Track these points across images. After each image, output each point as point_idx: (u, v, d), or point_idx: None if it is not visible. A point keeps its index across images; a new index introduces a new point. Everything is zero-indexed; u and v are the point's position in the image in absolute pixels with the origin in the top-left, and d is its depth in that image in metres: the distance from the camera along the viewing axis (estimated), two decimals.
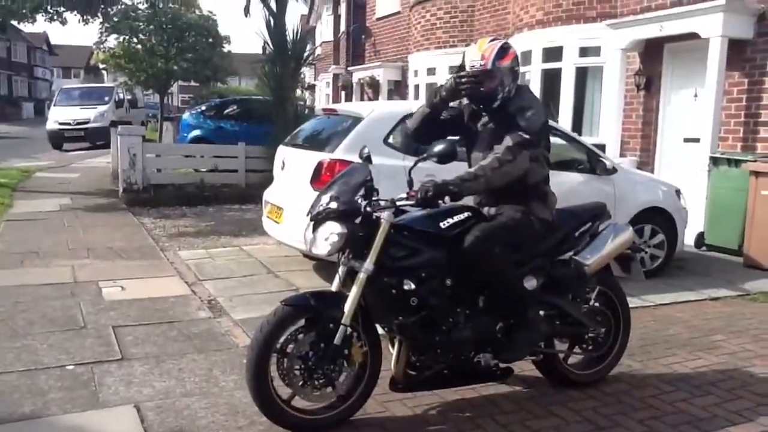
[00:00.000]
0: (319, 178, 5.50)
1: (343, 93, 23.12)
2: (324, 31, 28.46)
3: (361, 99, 20.53)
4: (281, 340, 2.99)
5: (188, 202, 10.27)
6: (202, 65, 20.02)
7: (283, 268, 6.38)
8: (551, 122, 7.10)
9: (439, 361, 3.25)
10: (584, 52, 10.40)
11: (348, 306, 3.01)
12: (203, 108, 15.37)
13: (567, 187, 6.30)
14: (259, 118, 12.89)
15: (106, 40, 18.74)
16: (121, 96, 24.49)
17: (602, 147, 8.11)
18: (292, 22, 31.63)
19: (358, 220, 3.06)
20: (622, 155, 9.46)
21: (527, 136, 3.15)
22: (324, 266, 6.06)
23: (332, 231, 3.01)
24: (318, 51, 27.56)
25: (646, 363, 4.14)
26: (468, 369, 3.33)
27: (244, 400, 3.28)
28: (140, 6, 18.70)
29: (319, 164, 5.53)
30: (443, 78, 14.68)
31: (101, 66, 22.18)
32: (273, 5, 11.38)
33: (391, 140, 5.71)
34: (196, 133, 14.25)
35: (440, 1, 14.62)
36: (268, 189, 6.61)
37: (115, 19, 16.66)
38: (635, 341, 4.61)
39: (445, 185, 3.02)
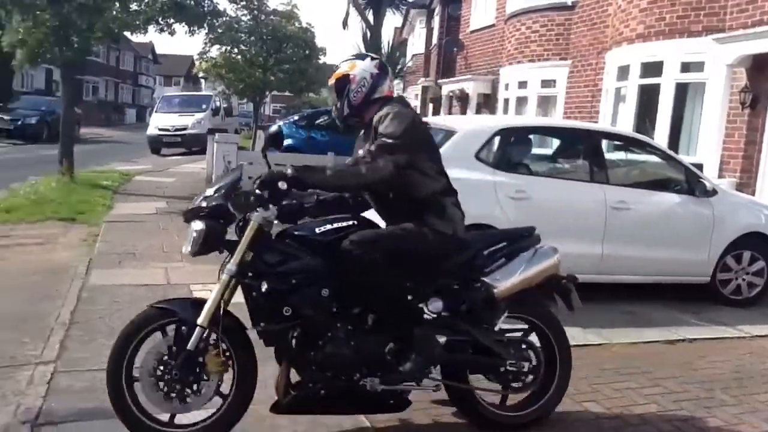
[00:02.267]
0: None
1: (431, 106, 23.13)
2: (416, 44, 28.60)
3: (449, 112, 20.48)
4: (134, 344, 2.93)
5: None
6: (298, 76, 20.50)
7: None
8: (645, 138, 6.87)
9: (316, 380, 2.98)
10: (686, 67, 9.94)
11: (206, 307, 2.88)
12: (296, 118, 15.71)
13: (661, 208, 6.05)
14: (348, 129, 13.05)
15: (209, 50, 19.53)
16: (218, 104, 25.39)
17: (699, 166, 7.70)
18: (387, 34, 31.93)
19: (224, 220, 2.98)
20: (720, 176, 8.96)
21: (389, 141, 2.97)
22: None
23: (194, 228, 2.95)
24: (408, 63, 27.74)
25: (741, 398, 3.87)
26: (352, 393, 3.03)
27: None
28: (243, 18, 19.37)
29: None
30: (534, 92, 14.44)
31: (200, 75, 23.04)
32: (370, 18, 11.50)
33: (482, 155, 5.62)
34: (288, 142, 14.56)
35: (536, 14, 14.37)
36: None
37: (219, 31, 17.32)
38: (729, 374, 4.33)
39: (284, 171, 2.84)
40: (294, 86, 21.40)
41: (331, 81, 3.28)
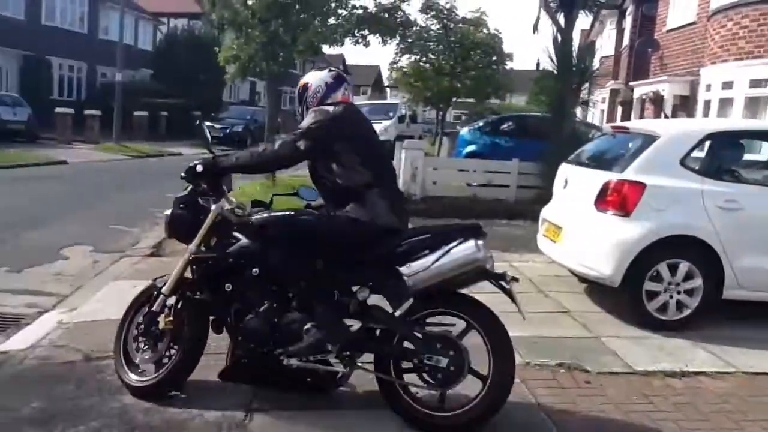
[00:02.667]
0: (604, 198, 5.26)
1: (620, 109, 21.99)
2: (604, 46, 27.36)
3: (641, 116, 19.36)
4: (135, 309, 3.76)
5: (460, 215, 10.45)
6: (485, 82, 20.55)
7: (554, 288, 6.21)
8: None
9: (241, 350, 3.38)
10: None
11: (170, 279, 3.57)
12: (480, 124, 15.72)
13: None
14: (534, 134, 12.80)
15: (399, 59, 20.20)
16: (404, 111, 26.18)
17: None
18: (575, 37, 30.84)
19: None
20: None
21: (297, 131, 3.43)
22: (597, 290, 5.78)
23: (164, 214, 3.69)
24: (596, 66, 26.51)
25: None
26: (272, 368, 3.32)
27: None
28: (432, 27, 19.80)
29: (606, 184, 5.27)
30: (741, 93, 13.17)
31: (386, 84, 23.96)
32: (561, 21, 11.21)
33: (688, 162, 5.23)
34: (472, 148, 14.63)
35: (746, 8, 13.10)
36: (547, 207, 6.49)
37: (410, 40, 17.86)
38: None
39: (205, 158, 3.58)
40: (480, 93, 21.46)
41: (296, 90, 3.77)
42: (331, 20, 13.39)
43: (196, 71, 33.54)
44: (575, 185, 5.91)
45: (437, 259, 3.24)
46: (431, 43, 19.98)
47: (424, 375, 3.29)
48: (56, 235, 8.25)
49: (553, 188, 6.52)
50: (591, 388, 3.95)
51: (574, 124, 11.58)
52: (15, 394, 3.62)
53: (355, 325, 3.34)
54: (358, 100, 47.74)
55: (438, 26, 19.88)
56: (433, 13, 19.82)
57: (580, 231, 5.51)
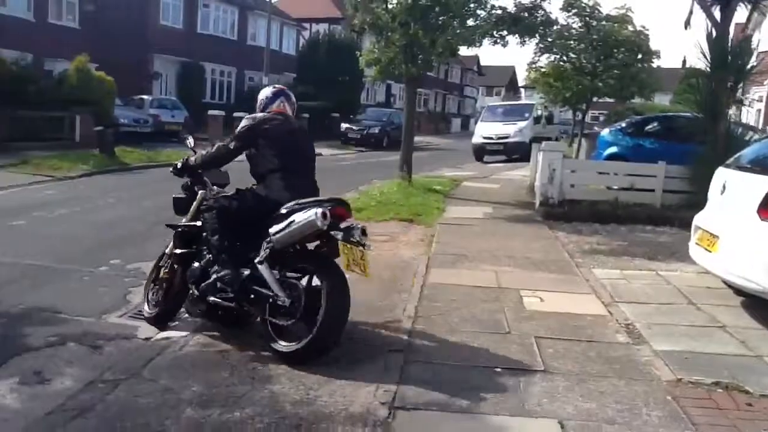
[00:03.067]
0: None
1: None
2: (763, 40, 25.21)
3: None
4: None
5: (600, 219, 10.13)
6: (629, 81, 19.64)
7: (706, 300, 5.81)
8: None
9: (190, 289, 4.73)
10: None
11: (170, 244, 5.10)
12: (623, 125, 15.03)
13: None
14: (683, 136, 12.05)
15: (538, 59, 19.76)
16: (539, 113, 25.60)
17: None
18: (730, 31, 28.66)
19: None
20: None
21: (231, 135, 4.78)
22: (757, 304, 5.34)
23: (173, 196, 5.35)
24: (753, 62, 24.42)
25: None
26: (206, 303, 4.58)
27: None
28: (574, 26, 19.19)
29: None
30: None
31: (521, 84, 23.57)
32: (717, 15, 10.48)
33: None
34: (613, 150, 14.00)
35: None
36: (701, 213, 6.09)
37: (549, 40, 17.39)
38: None
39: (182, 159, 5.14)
40: (624, 92, 20.52)
41: None
42: (470, 21, 13.31)
43: (336, 74, 34.70)
44: (735, 191, 5.50)
45: (288, 222, 4.18)
46: (572, 42, 19.32)
47: (278, 312, 4.22)
48: None
49: (708, 194, 6.11)
50: (753, 411, 3.63)
51: (729, 125, 10.75)
52: (177, 378, 3.93)
53: (245, 272, 4.38)
54: (492, 101, 47.25)
55: (580, 24, 19.20)
56: (575, 10, 19.17)
57: (741, 241, 5.12)
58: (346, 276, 4.20)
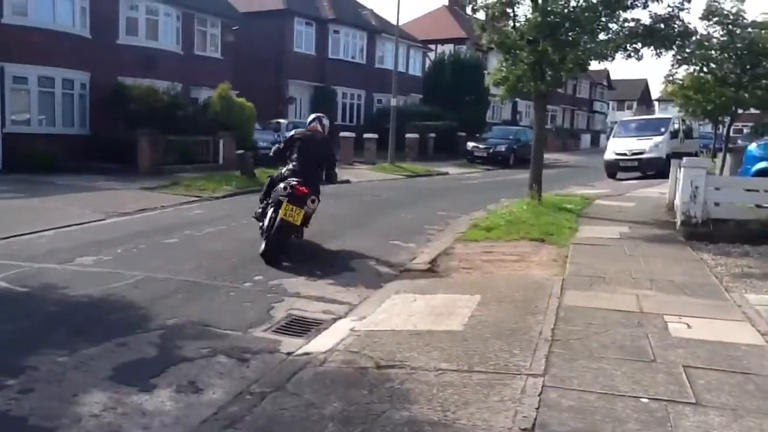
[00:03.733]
0: None
1: None
2: None
3: None
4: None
5: (750, 240, 9.40)
6: None
7: None
8: None
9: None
10: None
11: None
12: None
13: None
14: None
15: (676, 72, 18.80)
16: (677, 127, 24.28)
17: None
18: None
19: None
20: None
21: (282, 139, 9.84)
22: None
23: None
24: None
25: None
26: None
27: None
28: (715, 35, 18.12)
29: None
30: None
31: (654, 98, 22.51)
32: None
33: None
34: (763, 165, 12.99)
35: None
36: None
37: (688, 51, 16.52)
38: None
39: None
40: None
41: None
42: (601, 36, 12.90)
43: (461, 93, 34.87)
44: None
45: (276, 189, 8.34)
46: (713, 52, 18.20)
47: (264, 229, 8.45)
48: (345, 247, 9.17)
49: None
50: None
51: None
52: (319, 393, 4.08)
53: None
54: (623, 116, 45.25)
55: (722, 33, 18.05)
56: (716, 19, 18.07)
57: None
58: (288, 220, 7.90)
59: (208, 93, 23.71)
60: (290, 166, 8.43)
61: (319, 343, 5.14)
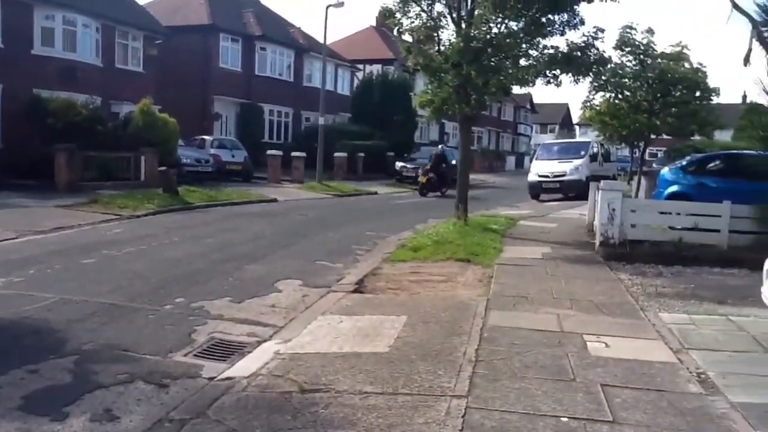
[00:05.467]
0: None
1: None
2: None
3: None
4: None
5: (664, 261, 9.86)
6: (688, 119, 19.33)
7: None
8: None
9: None
10: None
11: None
12: (683, 163, 14.68)
13: None
14: (750, 175, 11.70)
15: (593, 98, 19.61)
16: (596, 150, 25.27)
17: None
18: None
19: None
20: None
21: None
22: None
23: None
24: None
25: None
26: None
27: None
28: (628, 64, 19.05)
29: None
30: None
31: (575, 122, 23.56)
32: None
33: None
34: (674, 188, 13.66)
35: None
36: None
37: (604, 78, 17.28)
38: None
39: None
40: (683, 130, 20.18)
41: None
42: (523, 62, 13.35)
43: (390, 113, 35.19)
44: None
45: None
46: (627, 80, 19.13)
47: None
48: (270, 268, 9.01)
49: None
50: None
51: None
52: (241, 419, 3.97)
53: None
54: (546, 139, 46.91)
55: (634, 62, 19.02)
56: (628, 49, 19.02)
57: None
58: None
59: (130, 108, 23.03)
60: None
61: (242, 367, 5.01)
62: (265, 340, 5.78)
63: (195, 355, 5.39)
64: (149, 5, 30.09)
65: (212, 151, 25.05)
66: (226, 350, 5.53)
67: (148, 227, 12.67)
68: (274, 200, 19.04)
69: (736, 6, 10.98)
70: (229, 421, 3.96)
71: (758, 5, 10.58)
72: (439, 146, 29.21)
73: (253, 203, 18.11)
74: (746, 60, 11.73)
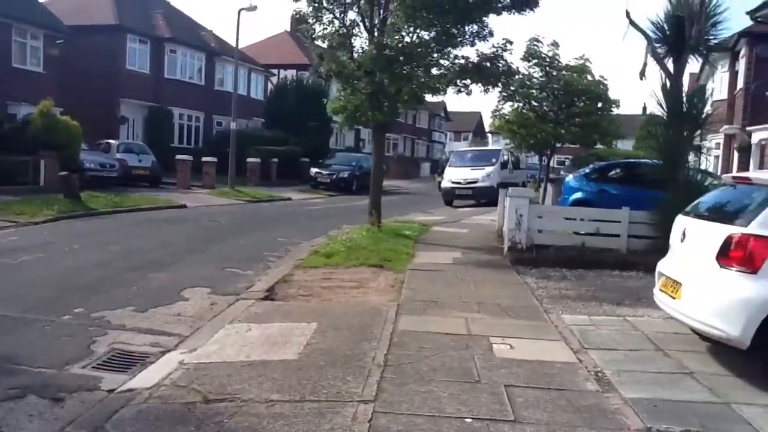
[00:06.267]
0: (727, 254, 4.99)
1: (736, 155, 20.95)
2: (716, 89, 26.23)
3: (761, 162, 18.31)
4: None
5: (568, 265, 10.23)
6: (591, 129, 20.29)
7: (674, 346, 5.89)
8: None
9: None
10: None
11: None
12: (587, 170, 15.36)
13: None
14: (646, 182, 12.35)
15: (502, 107, 20.27)
16: (506, 158, 26.06)
17: None
18: (684, 82, 29.81)
19: None
20: None
21: None
22: (724, 350, 5.42)
23: None
24: (708, 110, 25.28)
25: None
26: None
27: None
28: (535, 75, 19.80)
29: (729, 238, 5.01)
30: None
31: (488, 130, 24.30)
32: (670, 66, 10.87)
33: None
34: (578, 195, 14.26)
35: None
36: (664, 260, 6.22)
37: (512, 88, 17.89)
38: None
39: None
40: (587, 139, 21.17)
41: None
42: (434, 71, 13.62)
43: (305, 119, 34.99)
44: (694, 239, 5.64)
45: None
46: (534, 91, 19.92)
47: None
48: (177, 276, 8.75)
49: (670, 241, 6.25)
50: None
51: (688, 171, 11.07)
52: None
53: None
54: (459, 146, 48.05)
55: (541, 74, 19.83)
56: (535, 60, 19.81)
57: (702, 288, 5.23)
58: None
59: (29, 109, 21.88)
60: None
61: (144, 379, 4.83)
62: (169, 350, 5.59)
63: (94, 367, 5.15)
64: (50, 3, 28.70)
65: (118, 155, 24.12)
66: (127, 361, 5.32)
67: (47, 234, 12.05)
68: (184, 206, 18.50)
69: (632, 23, 11.56)
70: None
71: (652, 23, 11.16)
72: None
73: (162, 209, 17.54)
74: (642, 74, 12.37)
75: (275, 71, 42.94)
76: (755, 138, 19.05)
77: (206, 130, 35.31)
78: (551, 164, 23.61)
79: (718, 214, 5.71)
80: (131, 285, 8.10)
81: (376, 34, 12.92)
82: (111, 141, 25.66)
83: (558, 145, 21.71)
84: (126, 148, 25.19)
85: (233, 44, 27.48)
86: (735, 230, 5.04)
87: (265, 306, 7.08)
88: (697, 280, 5.31)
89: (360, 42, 13.44)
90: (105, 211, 16.00)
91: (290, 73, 42.42)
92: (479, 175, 23.86)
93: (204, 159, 25.94)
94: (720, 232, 5.16)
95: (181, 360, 5.18)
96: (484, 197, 22.97)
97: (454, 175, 24.52)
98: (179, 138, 33.25)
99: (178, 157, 25.43)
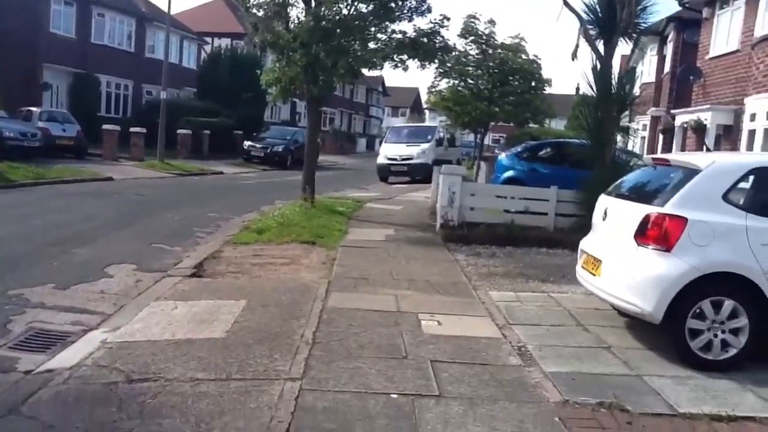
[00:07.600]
0: (644, 232, 5.20)
1: (661, 137, 21.76)
2: (644, 72, 27.10)
3: (683, 144, 19.08)
4: None
5: (498, 242, 10.45)
6: (524, 108, 20.63)
7: (593, 321, 6.13)
8: None
9: None
10: None
11: None
12: (519, 149, 15.65)
13: None
14: (574, 162, 12.70)
15: (438, 84, 20.35)
16: (442, 135, 26.26)
17: None
18: (614, 63, 30.64)
19: None
20: None
21: None
22: (639, 325, 5.69)
23: None
24: (636, 92, 26.16)
25: None
26: None
27: None
28: (471, 52, 19.92)
29: (646, 218, 5.22)
30: None
31: (425, 107, 24.31)
32: (601, 48, 11.14)
33: (732, 197, 5.14)
34: (510, 173, 14.53)
35: None
36: (586, 238, 6.43)
37: (449, 65, 17.97)
38: None
39: None
40: (519, 118, 21.53)
41: None
42: (371, 45, 13.53)
43: (239, 90, 34.20)
44: (614, 217, 5.85)
45: None
46: (470, 68, 20.07)
47: None
48: (101, 252, 8.47)
49: (593, 219, 6.46)
50: (632, 429, 3.86)
51: (614, 152, 11.43)
52: (59, 415, 3.72)
53: None
54: (397, 122, 48.12)
55: (477, 51, 19.98)
56: (471, 38, 19.93)
57: (620, 265, 5.45)
58: None
59: None
60: None
61: (64, 358, 4.68)
62: (91, 329, 5.43)
63: (10, 348, 4.95)
64: None
65: (40, 124, 22.97)
66: (46, 341, 5.14)
67: None
68: (110, 179, 17.87)
69: (566, 4, 11.76)
70: (46, 416, 3.70)
71: (586, 4, 11.39)
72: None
73: (86, 181, 16.90)
74: (574, 55, 12.63)
75: (209, 39, 41.75)
76: (678, 121, 19.74)
77: (135, 99, 34.06)
78: (486, 142, 23.95)
79: (638, 194, 5.92)
80: (52, 261, 7.80)
81: (313, 4, 12.69)
82: (33, 108, 24.39)
83: (492, 123, 22.01)
84: (49, 117, 24.00)
85: (165, 10, 26.51)
86: (652, 210, 5.24)
87: (192, 283, 6.96)
88: (616, 258, 5.52)
89: (296, 12, 13.18)
90: (25, 183, 15.29)
91: (225, 42, 41.35)
92: (414, 151, 23.97)
93: (132, 130, 25.04)
94: (638, 211, 5.36)
95: (104, 339, 5.05)
96: (419, 174, 23.11)
97: (389, 152, 24.54)
98: (106, 107, 31.97)
99: (105, 127, 24.44)
